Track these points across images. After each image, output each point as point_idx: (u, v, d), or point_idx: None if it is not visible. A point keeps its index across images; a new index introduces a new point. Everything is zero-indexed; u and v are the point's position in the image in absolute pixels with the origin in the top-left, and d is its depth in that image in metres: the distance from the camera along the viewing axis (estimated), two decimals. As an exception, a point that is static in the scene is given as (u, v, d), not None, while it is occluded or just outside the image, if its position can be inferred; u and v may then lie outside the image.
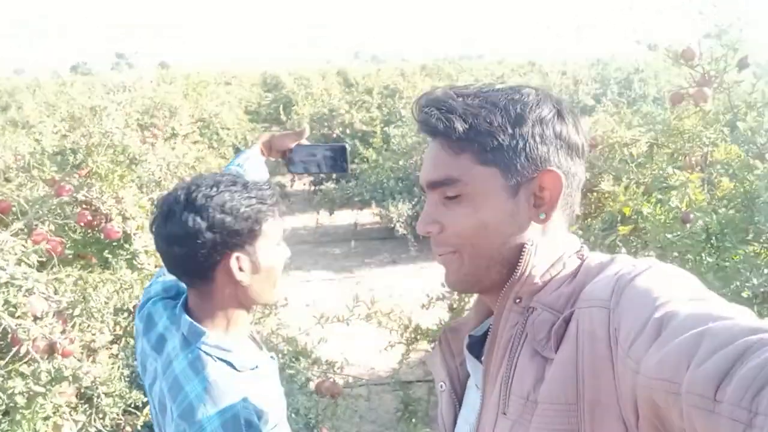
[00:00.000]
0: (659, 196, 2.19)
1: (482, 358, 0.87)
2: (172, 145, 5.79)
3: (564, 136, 0.82)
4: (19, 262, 2.10)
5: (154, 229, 1.16)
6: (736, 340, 0.52)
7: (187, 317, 1.18)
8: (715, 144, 2.27)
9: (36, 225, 2.69)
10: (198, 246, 1.11)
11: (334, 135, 8.18)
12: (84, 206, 2.82)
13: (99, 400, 1.99)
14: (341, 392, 2.98)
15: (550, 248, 0.82)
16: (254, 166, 1.55)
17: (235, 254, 1.15)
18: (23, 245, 2.19)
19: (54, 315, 1.97)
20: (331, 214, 7.57)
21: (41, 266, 2.55)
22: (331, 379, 2.99)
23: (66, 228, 2.73)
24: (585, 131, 0.86)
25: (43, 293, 1.95)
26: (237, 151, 8.66)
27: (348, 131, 8.37)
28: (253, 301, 1.23)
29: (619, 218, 2.25)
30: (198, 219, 1.10)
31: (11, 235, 2.60)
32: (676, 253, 1.96)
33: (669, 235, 1.90)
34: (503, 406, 0.76)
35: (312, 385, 2.95)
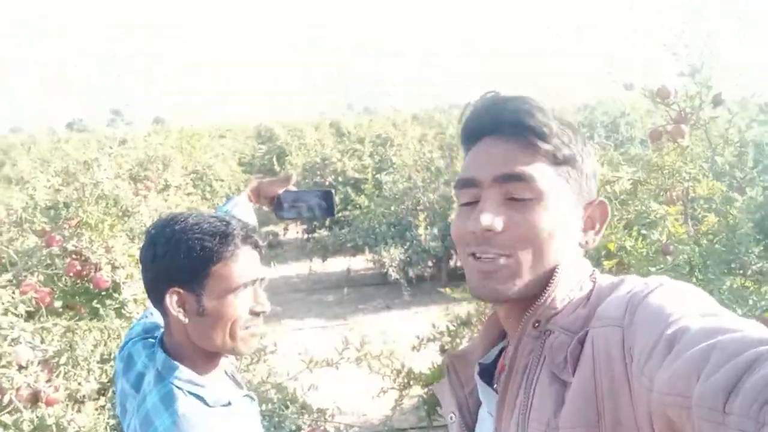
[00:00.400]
0: (643, 231, 2.22)
1: (495, 386, 0.86)
2: (165, 196, 5.84)
3: (597, 173, 0.89)
4: (6, 312, 2.09)
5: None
6: (745, 352, 0.52)
7: (161, 352, 1.19)
8: (696, 179, 2.32)
9: (25, 276, 2.69)
10: (148, 275, 1.18)
11: (327, 183, 8.26)
12: (74, 256, 2.83)
13: (84, 451, 1.95)
14: (333, 440, 2.93)
15: (575, 272, 0.83)
16: (242, 213, 1.56)
17: (174, 289, 1.14)
18: (11, 296, 2.19)
19: (39, 364, 1.95)
20: (324, 261, 7.55)
21: (29, 316, 2.54)
22: (322, 428, 2.94)
23: (55, 279, 2.73)
24: None
25: (29, 342, 1.93)
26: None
27: (340, 179, 8.45)
28: (203, 344, 1.18)
29: (603, 253, 2.27)
30: (150, 249, 1.17)
31: (0, 287, 2.59)
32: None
33: (652, 268, 1.92)
34: None
35: (303, 434, 2.90)
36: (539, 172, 0.80)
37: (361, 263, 7.85)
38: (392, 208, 6.89)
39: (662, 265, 1.93)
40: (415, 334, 3.00)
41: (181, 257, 1.13)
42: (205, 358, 1.21)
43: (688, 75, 2.30)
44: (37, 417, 1.71)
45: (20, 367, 1.83)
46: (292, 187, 1.59)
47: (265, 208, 1.64)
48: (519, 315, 0.81)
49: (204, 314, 1.15)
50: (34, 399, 1.77)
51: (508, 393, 0.78)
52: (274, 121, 22.31)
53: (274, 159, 11.46)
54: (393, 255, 6.15)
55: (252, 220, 1.59)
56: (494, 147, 0.84)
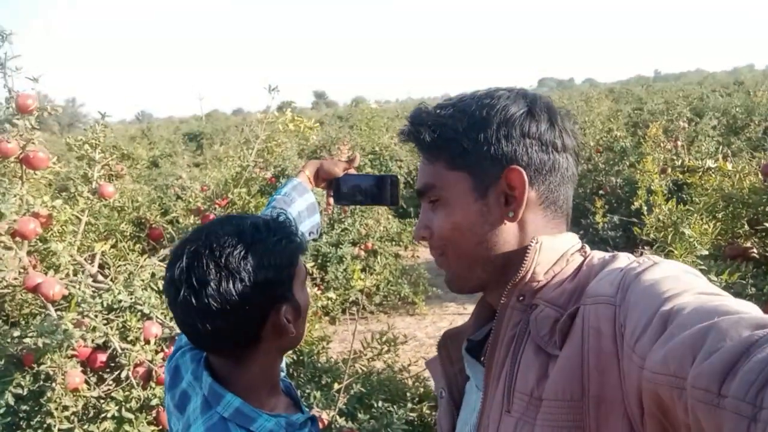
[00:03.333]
0: None
1: (482, 358, 0.89)
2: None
3: (534, 133, 0.84)
4: (146, 287, 2.23)
5: (177, 304, 0.97)
6: (742, 335, 0.51)
7: (207, 376, 1.04)
8: None
9: (182, 252, 2.89)
10: (245, 314, 0.97)
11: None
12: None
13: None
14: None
15: (554, 245, 0.83)
16: (301, 193, 1.45)
17: (282, 307, 1.02)
18: (153, 270, 2.34)
19: (166, 341, 2.04)
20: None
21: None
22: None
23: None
24: (569, 125, 0.89)
25: (159, 318, 2.03)
26: (406, 183, 8.83)
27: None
28: (291, 347, 1.13)
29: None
30: (239, 285, 0.95)
31: (159, 261, 2.80)
32: None
33: None
34: (507, 405, 0.75)
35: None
36: (436, 177, 0.87)
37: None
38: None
39: None
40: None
41: (282, 270, 1.01)
42: (270, 378, 1.09)
43: None
44: (144, 396, 1.78)
45: (146, 342, 1.92)
46: (353, 171, 1.43)
47: (323, 191, 1.51)
48: (501, 291, 0.82)
49: (300, 314, 1.06)
50: (149, 377, 1.85)
51: (494, 364, 0.79)
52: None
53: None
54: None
55: (312, 200, 1.47)
56: (420, 162, 0.91)
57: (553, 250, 0.82)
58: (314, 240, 5.67)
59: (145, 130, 19.30)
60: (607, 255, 0.82)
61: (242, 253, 0.96)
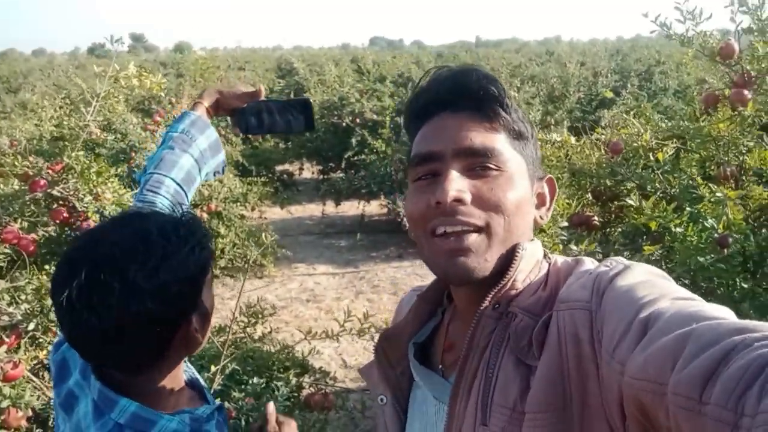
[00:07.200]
0: (689, 209, 1.94)
1: (440, 367, 0.86)
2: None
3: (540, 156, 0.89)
4: (-27, 268, 1.90)
5: (74, 324, 0.85)
6: (721, 341, 0.51)
7: (95, 380, 0.94)
8: (751, 151, 2.02)
9: (8, 222, 2.50)
10: (153, 333, 0.90)
11: (344, 124, 7.94)
12: (61, 203, 2.63)
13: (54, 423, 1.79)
14: (332, 406, 2.78)
15: (533, 252, 0.81)
16: (201, 130, 1.30)
17: (192, 318, 0.96)
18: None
19: (7, 330, 1.78)
20: (337, 205, 7.36)
21: (10, 266, 2.37)
22: (323, 391, 2.79)
23: (39, 225, 2.54)
24: None
25: (-6, 305, 1.75)
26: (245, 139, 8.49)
27: (358, 120, 8.12)
28: (196, 351, 1.05)
29: (644, 234, 2.01)
30: (149, 303, 0.85)
31: (-21, 233, 2.40)
32: (707, 279, 1.72)
33: (701, 259, 1.66)
34: (482, 417, 0.72)
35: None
36: (501, 145, 0.80)
37: (375, 208, 7.64)
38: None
39: (713, 256, 1.67)
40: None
41: (195, 280, 0.93)
42: (169, 383, 1.01)
43: (757, 32, 1.96)
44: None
45: (-18, 335, 1.65)
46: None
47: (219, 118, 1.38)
48: (475, 296, 0.79)
49: (208, 320, 1.00)
50: (-8, 375, 1.59)
51: (464, 375, 0.76)
52: (294, 54, 21.77)
53: (292, 95, 11.11)
54: (408, 204, 5.90)
55: (214, 136, 1.33)
56: (453, 120, 0.81)
57: (532, 257, 0.81)
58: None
59: None
60: (569, 259, 0.83)
61: (152, 269, 0.86)
